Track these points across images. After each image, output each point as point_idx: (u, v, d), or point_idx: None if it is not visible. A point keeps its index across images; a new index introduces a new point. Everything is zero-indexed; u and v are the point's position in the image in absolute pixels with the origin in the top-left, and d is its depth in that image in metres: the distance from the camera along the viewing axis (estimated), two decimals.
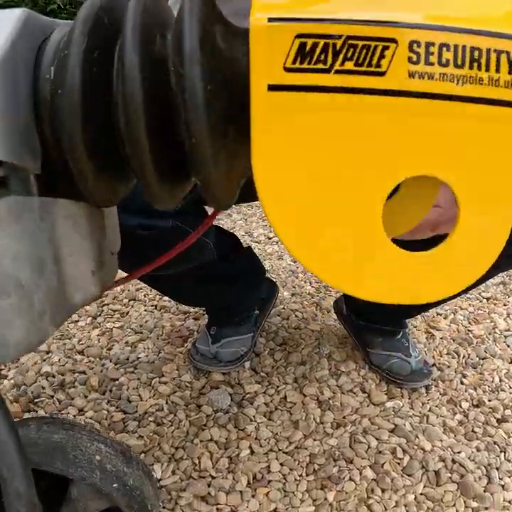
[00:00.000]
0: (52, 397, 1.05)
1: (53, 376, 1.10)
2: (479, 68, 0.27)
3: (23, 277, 0.31)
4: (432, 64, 0.27)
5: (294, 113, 0.27)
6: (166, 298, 1.38)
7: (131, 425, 0.98)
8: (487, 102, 0.27)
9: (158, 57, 0.29)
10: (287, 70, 0.27)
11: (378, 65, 0.27)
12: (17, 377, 1.10)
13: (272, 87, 0.27)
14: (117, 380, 1.10)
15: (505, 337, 1.39)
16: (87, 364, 1.14)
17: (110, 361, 1.14)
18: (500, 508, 0.89)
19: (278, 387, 1.10)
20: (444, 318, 1.44)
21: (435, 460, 0.96)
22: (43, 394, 1.06)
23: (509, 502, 0.90)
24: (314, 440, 0.98)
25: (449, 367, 1.22)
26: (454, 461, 0.96)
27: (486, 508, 0.88)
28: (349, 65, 0.27)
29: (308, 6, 0.27)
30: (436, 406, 1.10)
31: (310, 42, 0.26)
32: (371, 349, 1.17)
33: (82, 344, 1.21)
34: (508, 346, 1.35)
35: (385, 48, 0.26)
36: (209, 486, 0.88)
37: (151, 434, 0.97)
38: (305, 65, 0.27)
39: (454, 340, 1.33)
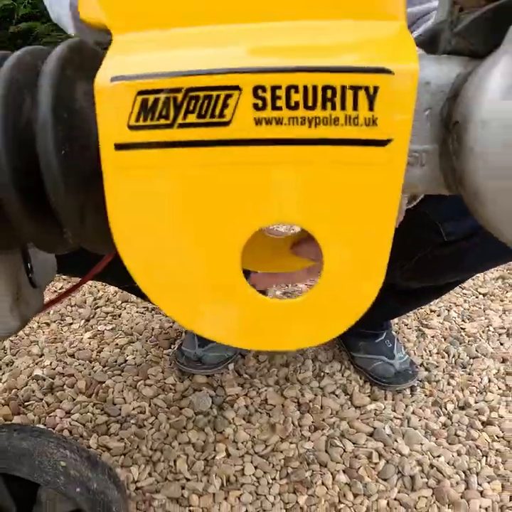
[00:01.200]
0: (42, 400, 1.07)
1: (43, 379, 1.12)
2: (333, 107, 0.26)
3: None
4: (279, 108, 0.26)
5: (142, 169, 0.27)
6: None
7: (114, 427, 1.00)
8: (345, 143, 0.26)
9: (23, 123, 0.29)
10: (131, 127, 0.26)
11: (222, 115, 0.26)
12: (10, 381, 1.12)
13: (119, 146, 0.27)
14: (104, 382, 1.11)
15: (499, 335, 1.37)
16: (76, 367, 1.16)
17: (99, 364, 1.16)
18: None
19: (259, 389, 1.10)
20: (438, 316, 1.42)
21: (412, 464, 0.95)
22: (32, 397, 1.08)
23: (486, 509, 0.90)
24: (290, 443, 0.98)
25: (437, 367, 1.21)
26: (431, 466, 0.95)
27: None
28: (192, 118, 0.26)
29: (149, 61, 0.26)
30: (420, 408, 1.09)
31: (151, 98, 0.26)
32: (354, 353, 1.16)
33: (73, 347, 1.22)
34: (502, 344, 1.33)
35: (228, 96, 0.26)
36: (183, 488, 0.89)
37: (131, 436, 0.98)
38: (148, 122, 0.26)
39: (445, 339, 1.32)
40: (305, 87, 0.25)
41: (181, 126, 0.26)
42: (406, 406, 1.09)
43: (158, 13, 0.28)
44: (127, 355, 1.20)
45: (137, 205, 0.28)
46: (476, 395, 1.14)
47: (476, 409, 1.10)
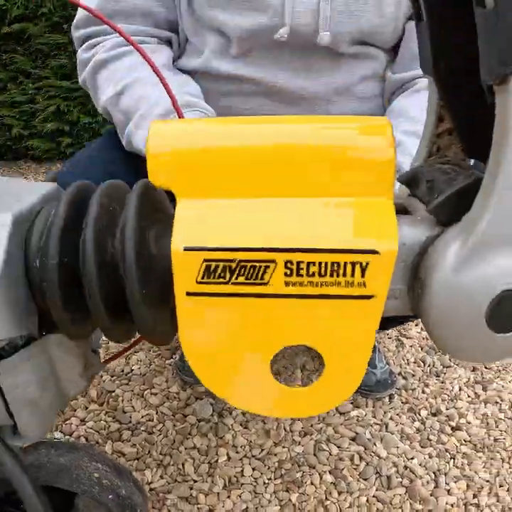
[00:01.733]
0: None
1: None
2: (338, 275, 0.38)
3: (30, 396, 0.45)
4: (301, 275, 0.38)
5: (205, 308, 0.40)
6: None
7: (126, 434, 1.13)
8: (343, 298, 0.39)
9: (110, 254, 0.41)
10: (198, 283, 0.39)
11: (262, 278, 0.38)
12: None
13: (189, 294, 0.39)
14: (113, 391, 1.24)
15: None
16: None
17: (107, 374, 1.28)
18: (442, 510, 1.03)
19: None
20: (416, 326, 1.56)
21: (388, 466, 1.10)
22: None
23: (452, 505, 1.04)
24: (283, 447, 1.12)
25: (413, 375, 1.36)
26: (405, 468, 1.10)
27: (430, 511, 1.02)
28: (241, 279, 0.39)
29: (211, 237, 0.38)
30: (397, 414, 1.23)
31: (213, 264, 0.38)
32: None
33: None
34: None
35: (267, 266, 0.38)
36: (191, 488, 1.03)
37: (142, 442, 1.11)
38: (210, 279, 0.39)
39: (422, 349, 1.46)
40: (319, 263, 0.38)
41: (233, 283, 0.39)
42: (384, 412, 1.23)
43: (213, 187, 0.40)
44: (132, 365, 1.32)
45: (199, 326, 0.41)
46: (447, 403, 1.29)
47: (447, 416, 1.25)
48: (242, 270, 0.38)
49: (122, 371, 1.30)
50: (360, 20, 0.81)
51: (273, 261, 0.38)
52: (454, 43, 0.41)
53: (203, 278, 0.39)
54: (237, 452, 1.11)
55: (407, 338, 1.50)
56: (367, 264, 0.38)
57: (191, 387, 1.26)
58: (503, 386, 1.38)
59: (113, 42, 0.83)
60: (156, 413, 1.19)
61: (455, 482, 1.10)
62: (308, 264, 0.38)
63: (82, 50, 0.87)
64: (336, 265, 0.38)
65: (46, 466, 0.79)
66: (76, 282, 0.42)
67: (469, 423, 1.24)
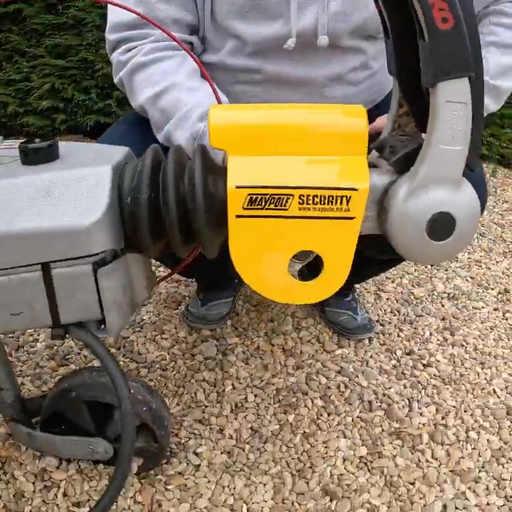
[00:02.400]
0: (79, 353, 1.44)
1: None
2: (332, 204, 0.65)
3: (117, 298, 0.70)
4: (309, 203, 0.65)
5: (248, 227, 0.65)
6: (161, 268, 1.77)
7: (143, 372, 1.39)
8: (335, 218, 0.65)
9: (183, 194, 0.67)
10: (244, 208, 0.64)
11: (284, 205, 0.64)
12: (47, 341, 1.48)
13: (238, 216, 0.65)
14: (128, 338, 1.50)
15: (441, 298, 1.81)
16: None
17: None
18: (416, 428, 1.31)
19: (253, 339, 1.52)
20: (392, 282, 1.85)
21: (369, 393, 1.38)
22: (71, 352, 1.45)
23: (423, 424, 1.33)
24: (279, 378, 1.40)
25: (390, 323, 1.64)
26: (384, 395, 1.38)
27: (405, 428, 1.31)
28: (271, 206, 0.64)
29: (252, 178, 0.64)
30: (376, 353, 1.51)
31: (254, 196, 0.64)
32: (326, 307, 1.57)
33: None
34: (443, 306, 1.77)
35: (288, 198, 0.64)
36: (203, 412, 1.29)
37: (158, 377, 1.38)
38: (252, 206, 0.64)
39: (397, 301, 1.75)
40: (321, 196, 0.64)
41: (267, 209, 0.65)
42: (365, 352, 1.51)
43: (252, 148, 0.66)
44: (143, 315, 1.58)
45: (243, 239, 0.67)
46: (419, 345, 1.58)
47: (419, 355, 1.53)
48: (272, 200, 0.64)
49: (134, 320, 1.56)
50: (352, 19, 1.05)
51: (291, 195, 0.64)
52: (408, 56, 0.67)
53: (247, 205, 0.64)
54: (240, 383, 1.38)
55: (384, 292, 1.79)
56: (350, 197, 0.64)
57: (197, 331, 1.52)
58: (468, 332, 1.68)
59: (151, 46, 1.02)
60: (168, 354, 1.45)
61: (426, 407, 1.38)
62: (314, 196, 0.64)
63: (119, 52, 1.06)
64: (331, 197, 0.64)
65: (92, 386, 1.04)
66: (157, 212, 0.68)
67: (438, 361, 1.53)
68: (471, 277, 1.99)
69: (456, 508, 1.14)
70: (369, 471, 1.19)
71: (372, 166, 0.70)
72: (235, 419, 1.29)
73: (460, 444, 1.28)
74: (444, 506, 1.14)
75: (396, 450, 1.24)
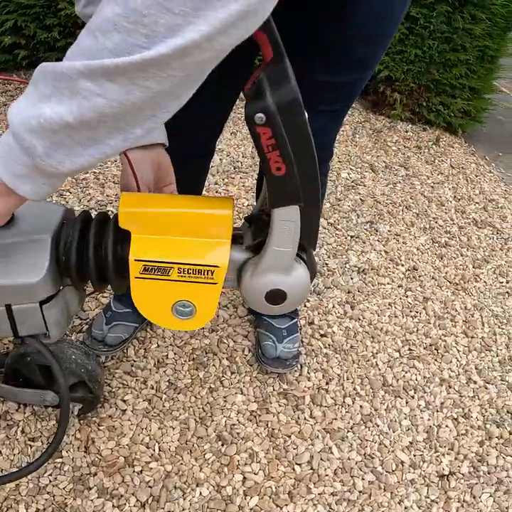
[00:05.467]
0: None
1: None
2: (201, 274, 0.94)
3: (58, 318, 1.02)
4: (185, 272, 0.96)
5: (144, 283, 0.97)
6: None
7: (86, 326, 1.71)
8: (203, 283, 0.97)
9: (100, 255, 0.98)
10: (140, 273, 0.94)
11: (168, 273, 0.96)
12: None
13: (136, 277, 0.94)
14: None
15: (352, 271, 2.14)
16: None
17: None
18: (301, 390, 1.67)
19: None
20: None
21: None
22: None
23: (308, 388, 1.66)
24: (196, 340, 1.72)
25: None
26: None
27: (292, 390, 1.66)
28: (158, 273, 0.95)
29: (148, 253, 0.95)
30: None
31: (148, 266, 0.94)
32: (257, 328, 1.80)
33: None
34: (351, 279, 2.10)
35: (171, 268, 0.96)
36: (132, 366, 1.63)
37: None
38: (146, 273, 0.94)
39: None
40: (194, 269, 0.94)
41: (156, 274, 0.96)
42: None
43: (151, 228, 0.96)
44: None
45: (140, 290, 0.98)
46: (321, 316, 1.92)
47: (318, 325, 1.87)
48: (160, 269, 0.94)
49: None
50: None
51: (172, 267, 0.95)
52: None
53: (142, 272, 0.95)
54: (164, 341, 1.72)
55: None
56: (214, 270, 0.95)
57: None
58: (367, 307, 1.99)
59: None
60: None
61: (314, 373, 1.71)
62: (189, 269, 0.94)
63: None
64: (200, 270, 0.93)
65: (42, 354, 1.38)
66: (82, 266, 0.99)
67: (334, 333, 1.87)
68: (385, 252, 2.27)
69: (321, 459, 1.53)
70: (256, 423, 1.57)
71: (240, 237, 1.01)
72: (157, 372, 1.64)
73: (336, 408, 1.65)
74: (311, 457, 1.53)
75: (281, 408, 1.60)
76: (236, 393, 1.60)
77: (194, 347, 1.70)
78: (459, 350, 1.90)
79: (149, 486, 1.36)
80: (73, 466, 1.37)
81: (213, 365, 1.66)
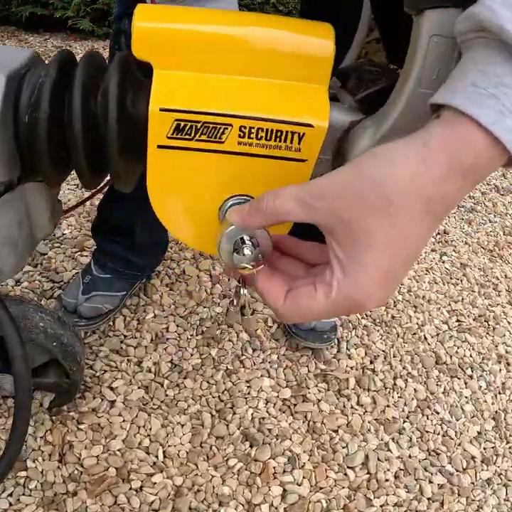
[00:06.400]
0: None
1: None
2: (280, 141, 0.50)
3: (12, 234, 0.54)
4: (251, 137, 0.49)
5: (172, 160, 0.50)
6: None
7: (58, 292, 1.23)
8: (283, 159, 0.51)
9: (93, 113, 0.50)
10: (169, 137, 0.48)
11: (220, 138, 0.49)
12: None
13: (159, 146, 0.49)
14: (46, 254, 1.32)
15: None
16: None
17: None
18: (343, 371, 1.24)
19: (178, 262, 1.38)
20: None
21: None
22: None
23: (351, 368, 1.25)
24: (204, 307, 1.27)
25: None
26: None
27: (332, 370, 1.23)
28: (203, 137, 0.48)
29: (182, 100, 0.48)
30: None
31: (182, 123, 0.48)
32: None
33: None
34: None
35: (225, 128, 0.49)
36: (121, 342, 1.16)
37: None
38: (179, 136, 0.48)
39: None
40: (267, 129, 0.49)
41: (197, 140, 0.49)
42: None
43: (186, 61, 0.49)
44: (64, 230, 1.41)
45: (164, 175, 0.51)
46: None
47: None
48: (205, 130, 0.48)
49: (54, 235, 1.38)
50: None
51: (230, 125, 0.49)
52: None
53: (173, 134, 0.48)
54: (162, 310, 1.25)
55: None
56: (303, 134, 0.49)
57: None
58: None
59: None
60: None
61: (355, 349, 1.30)
62: (258, 129, 0.49)
63: None
64: (279, 132, 0.49)
65: None
66: (61, 136, 0.51)
67: None
68: None
69: (379, 459, 1.09)
70: (292, 415, 1.11)
71: (332, 98, 0.55)
72: (155, 350, 1.17)
73: (387, 392, 1.22)
74: (366, 457, 1.09)
75: (321, 394, 1.16)
76: (262, 376, 1.15)
77: (202, 317, 1.24)
78: (509, 322, 1.58)
79: (153, 510, 0.89)
80: (43, 482, 0.94)
81: (229, 340, 1.21)
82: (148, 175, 0.51)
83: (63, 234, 1.39)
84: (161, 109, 0.47)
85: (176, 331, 1.21)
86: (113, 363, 1.11)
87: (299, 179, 0.52)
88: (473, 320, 1.52)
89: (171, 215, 0.54)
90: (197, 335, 1.21)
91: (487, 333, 1.50)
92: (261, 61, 0.50)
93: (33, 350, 0.90)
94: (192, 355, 1.17)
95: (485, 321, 1.54)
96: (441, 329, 1.45)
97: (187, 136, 0.48)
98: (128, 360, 1.13)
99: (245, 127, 0.48)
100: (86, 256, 1.33)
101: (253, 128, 0.49)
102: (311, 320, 0.44)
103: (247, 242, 0.47)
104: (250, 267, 0.46)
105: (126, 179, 0.54)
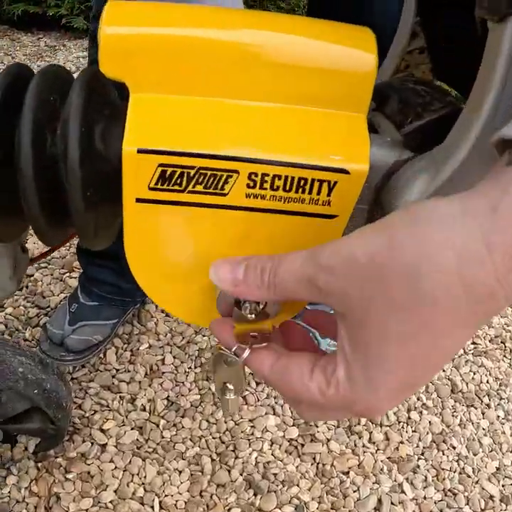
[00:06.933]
0: None
1: None
2: (303, 192, 0.35)
3: None
4: (265, 189, 0.35)
5: (156, 217, 0.36)
6: None
7: (44, 320, 1.09)
8: (306, 215, 0.36)
9: (50, 153, 0.36)
10: (151, 189, 0.34)
11: (222, 188, 0.35)
12: None
13: (139, 200, 0.35)
14: (33, 276, 1.18)
15: None
16: None
17: None
18: None
19: None
20: None
21: None
22: None
23: None
24: (203, 336, 1.14)
25: None
26: None
27: None
28: (199, 188, 0.35)
29: (169, 138, 0.34)
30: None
31: (169, 170, 0.34)
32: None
33: None
34: None
35: (229, 176, 0.34)
36: (113, 377, 1.03)
37: None
38: (165, 186, 0.34)
39: None
40: (286, 177, 0.34)
41: (190, 192, 0.35)
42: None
43: (173, 82, 0.35)
44: None
45: (146, 235, 0.37)
46: None
47: None
48: (201, 178, 0.34)
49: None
50: None
51: (236, 171, 0.34)
52: None
53: (156, 184, 0.34)
54: (158, 340, 1.11)
55: None
56: (335, 183, 0.35)
57: None
58: None
59: None
60: None
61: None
62: (274, 177, 0.35)
63: None
64: (302, 181, 0.35)
65: None
66: (9, 182, 0.37)
67: None
68: None
69: (392, 503, 0.96)
70: (299, 457, 0.98)
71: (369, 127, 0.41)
72: (150, 386, 1.03)
73: (400, 426, 1.08)
74: (379, 501, 0.95)
75: (330, 432, 1.03)
76: (267, 414, 1.02)
77: (201, 347, 1.11)
78: None
79: None
80: None
81: None
82: (126, 235, 0.37)
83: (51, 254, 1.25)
84: (139, 151, 0.34)
85: (172, 363, 1.07)
86: (104, 402, 0.98)
87: (326, 238, 0.38)
88: (489, 342, 1.39)
89: (156, 284, 0.40)
90: (195, 367, 1.08)
91: (504, 356, 1.38)
92: (278, 81, 0.35)
93: (12, 397, 0.78)
94: (190, 390, 1.04)
95: (501, 342, 1.42)
96: (457, 354, 1.31)
97: (176, 187, 0.35)
98: (120, 397, 0.99)
99: (256, 174, 0.35)
100: (75, 278, 1.20)
101: (267, 175, 0.35)
102: (299, 411, 0.31)
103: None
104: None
105: (97, 237, 0.39)
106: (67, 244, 1.27)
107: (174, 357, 1.08)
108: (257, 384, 1.07)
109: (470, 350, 1.33)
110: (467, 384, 1.24)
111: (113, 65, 0.35)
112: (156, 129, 0.34)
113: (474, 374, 1.28)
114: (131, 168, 0.34)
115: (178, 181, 0.34)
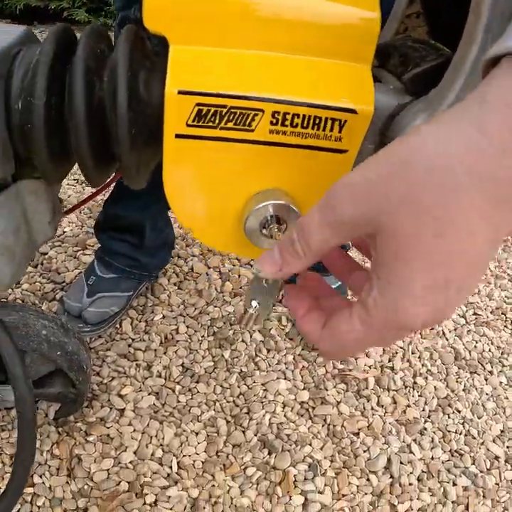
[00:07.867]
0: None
1: None
2: (318, 128, 0.42)
3: (8, 242, 0.46)
4: (285, 125, 0.42)
5: (192, 151, 0.42)
6: None
7: (60, 294, 1.15)
8: (321, 150, 0.43)
9: (98, 97, 0.42)
10: (188, 125, 0.41)
11: (249, 125, 0.41)
12: None
13: (178, 136, 0.41)
14: (47, 253, 1.24)
15: None
16: None
17: None
18: (361, 370, 1.16)
19: (186, 259, 1.30)
20: None
21: None
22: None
23: (370, 366, 1.18)
24: (215, 306, 1.20)
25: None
26: None
27: (350, 370, 1.15)
28: (230, 125, 0.41)
29: (205, 82, 0.40)
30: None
31: (205, 109, 0.40)
32: None
33: None
34: None
35: (256, 114, 0.41)
36: (129, 346, 1.09)
37: None
38: (200, 123, 0.40)
39: None
40: (303, 115, 0.41)
41: (222, 128, 0.41)
42: None
43: (207, 35, 0.41)
44: (64, 227, 1.33)
45: (183, 168, 0.43)
46: None
47: None
48: (232, 116, 0.40)
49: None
50: None
51: (261, 110, 0.41)
52: None
53: (193, 121, 0.40)
54: (171, 311, 1.18)
55: None
56: (345, 121, 0.41)
57: None
58: None
59: None
60: None
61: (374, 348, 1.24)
62: (294, 115, 0.41)
63: None
64: (317, 119, 0.41)
65: None
66: (61, 125, 0.43)
67: None
68: None
69: (401, 462, 1.02)
70: (311, 419, 1.04)
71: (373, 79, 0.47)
72: (165, 353, 1.09)
73: (407, 391, 1.15)
74: (389, 460, 1.02)
75: (340, 395, 1.09)
76: (278, 379, 1.08)
77: (214, 317, 1.17)
78: None
79: None
80: (51, 498, 0.87)
81: (242, 340, 1.13)
82: (165, 169, 0.43)
83: (64, 232, 1.31)
84: (180, 92, 0.40)
85: (186, 333, 1.13)
86: (121, 369, 1.04)
87: (338, 171, 0.45)
88: (491, 313, 1.45)
89: (191, 213, 0.46)
90: (208, 336, 1.14)
91: (505, 327, 1.43)
92: (296, 35, 0.42)
93: (36, 359, 0.83)
94: (204, 357, 1.10)
95: (502, 313, 1.47)
96: (459, 323, 1.37)
97: (210, 124, 0.41)
98: (137, 364, 1.05)
99: (279, 113, 0.41)
100: (88, 255, 1.25)
101: (288, 114, 0.41)
102: (354, 353, 0.35)
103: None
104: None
105: (138, 175, 0.46)
106: (80, 223, 1.34)
107: (187, 326, 1.14)
108: (268, 351, 1.13)
109: (472, 321, 1.39)
110: (470, 352, 1.30)
111: (156, 21, 0.41)
112: (193, 75, 0.41)
113: (477, 342, 1.33)
114: (172, 107, 0.40)
115: (212, 119, 0.41)
